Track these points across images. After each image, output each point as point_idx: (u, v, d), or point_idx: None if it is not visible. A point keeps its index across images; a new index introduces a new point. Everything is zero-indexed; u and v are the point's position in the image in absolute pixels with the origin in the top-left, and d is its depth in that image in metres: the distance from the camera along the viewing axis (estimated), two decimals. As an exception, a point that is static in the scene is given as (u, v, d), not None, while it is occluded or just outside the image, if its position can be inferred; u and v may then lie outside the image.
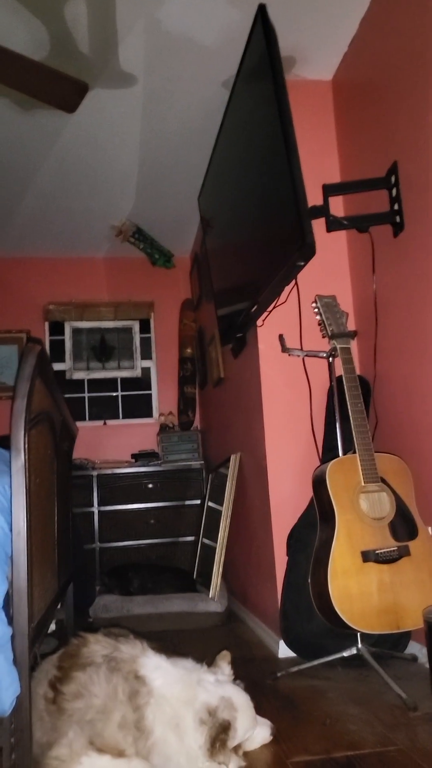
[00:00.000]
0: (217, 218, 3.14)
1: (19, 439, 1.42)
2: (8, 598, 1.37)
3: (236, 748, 1.57)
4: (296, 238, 1.98)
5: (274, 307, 2.63)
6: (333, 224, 2.39)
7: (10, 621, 1.35)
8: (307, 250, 1.93)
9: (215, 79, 2.93)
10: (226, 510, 3.37)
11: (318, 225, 2.25)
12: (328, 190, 2.45)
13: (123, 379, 5.02)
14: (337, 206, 2.77)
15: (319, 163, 2.85)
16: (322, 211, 2.38)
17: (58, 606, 2.19)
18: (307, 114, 2.89)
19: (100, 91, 2.96)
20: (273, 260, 2.24)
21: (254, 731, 1.65)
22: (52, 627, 2.38)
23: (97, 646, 1.69)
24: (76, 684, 1.58)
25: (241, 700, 1.62)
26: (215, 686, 1.62)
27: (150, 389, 5.03)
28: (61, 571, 2.15)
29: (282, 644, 2.51)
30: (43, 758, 1.46)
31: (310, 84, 2.97)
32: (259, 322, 2.73)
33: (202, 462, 4.43)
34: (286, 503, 2.66)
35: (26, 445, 1.43)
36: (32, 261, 4.92)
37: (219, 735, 1.51)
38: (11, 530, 1.39)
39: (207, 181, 3.15)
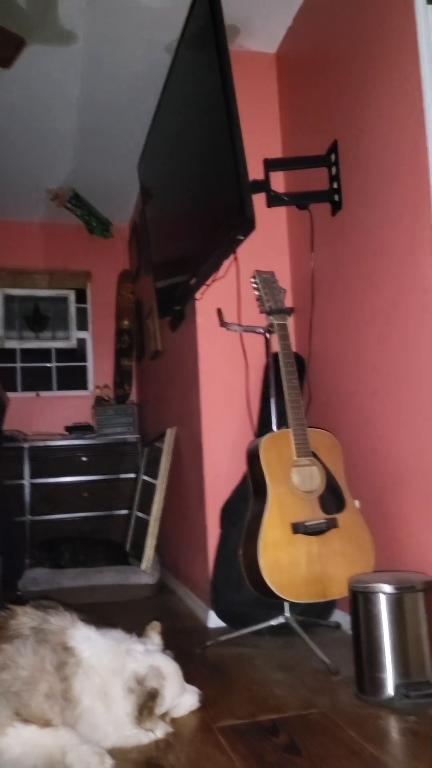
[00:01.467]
0: (157, 187, 3.08)
1: None
2: None
3: (164, 715, 1.60)
4: (237, 212, 1.96)
5: (213, 281, 2.62)
6: (273, 200, 2.39)
7: None
8: (247, 225, 1.92)
9: (158, 42, 2.85)
10: (160, 484, 3.38)
11: (258, 200, 2.25)
12: (269, 165, 2.44)
13: (57, 350, 4.91)
14: (278, 182, 2.77)
15: (261, 138, 2.84)
16: (263, 185, 2.37)
17: (-14, 579, 2.15)
18: (250, 86, 2.86)
19: (38, 47, 2.83)
20: (213, 233, 2.23)
21: (182, 698, 1.68)
22: (-21, 600, 2.33)
23: (25, 618, 1.67)
24: (2, 656, 1.55)
25: (169, 668, 1.65)
26: (144, 656, 1.63)
27: (85, 361, 4.94)
28: (-12, 544, 2.10)
29: (212, 614, 2.55)
30: (-33, 731, 1.44)
31: (253, 56, 2.94)
32: (197, 295, 2.71)
33: (138, 436, 4.41)
34: (220, 477, 2.69)
35: None
36: (-38, 223, 4.71)
37: (147, 703, 1.53)
38: None
39: (147, 147, 3.08)
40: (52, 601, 1.94)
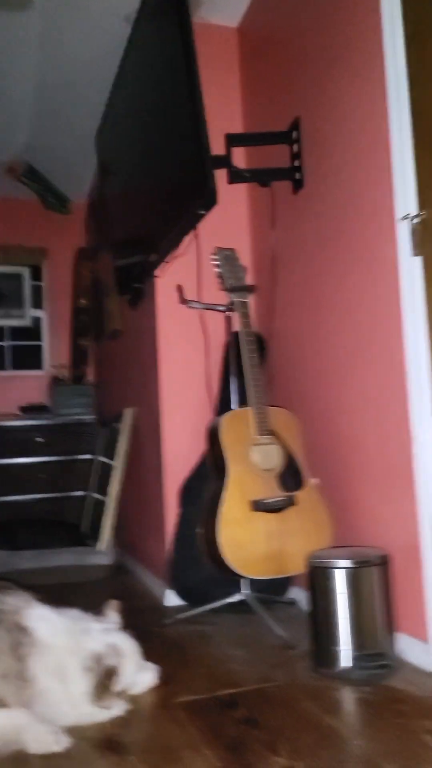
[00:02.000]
0: (115, 161, 3.01)
1: None
2: None
3: (121, 693, 1.59)
4: (199, 186, 1.93)
5: (173, 258, 2.58)
6: (235, 176, 2.36)
7: None
8: (209, 199, 1.89)
9: (117, 11, 2.76)
10: (118, 464, 3.35)
11: (219, 176, 2.21)
12: (231, 141, 2.41)
13: (11, 328, 4.78)
14: (239, 158, 2.74)
15: (222, 113, 2.79)
16: (224, 161, 2.34)
17: None
18: (211, 60, 2.80)
19: (-10, 10, 2.71)
20: (173, 208, 2.19)
21: (140, 676, 1.67)
22: None
23: (-22, 599, 1.63)
24: None
25: (127, 646, 1.64)
26: (102, 634, 1.62)
27: (40, 340, 4.83)
28: None
29: (170, 593, 2.55)
30: None
31: (215, 29, 2.88)
32: (157, 272, 2.67)
33: (95, 416, 4.35)
34: (179, 457, 2.67)
35: None
36: None
37: (104, 681, 1.52)
38: None
39: (105, 120, 3.00)
40: (7, 581, 1.90)
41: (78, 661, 1.52)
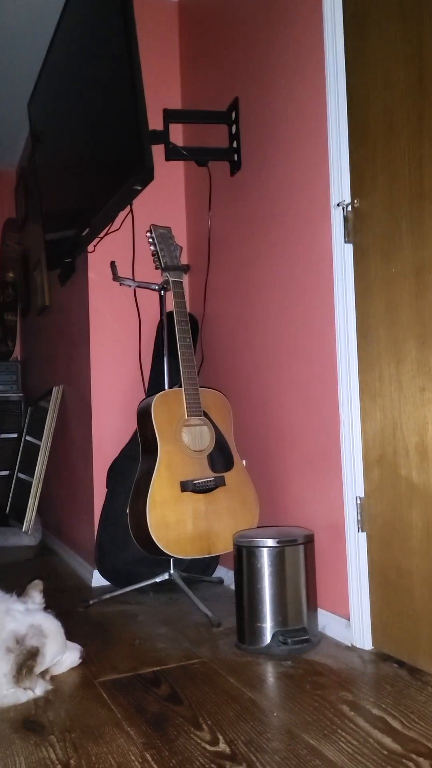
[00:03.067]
0: (48, 130, 2.89)
1: None
2: None
3: (44, 673, 1.57)
4: (135, 160, 1.89)
5: (106, 233, 2.53)
6: (172, 153, 2.32)
7: None
8: (145, 173, 1.85)
9: (54, -29, 2.65)
10: (45, 444, 3.27)
11: (156, 153, 2.17)
12: (169, 116, 2.36)
13: None
14: (176, 135, 2.70)
15: (160, 88, 2.74)
16: (162, 137, 2.29)
17: None
18: (151, 33, 2.74)
19: None
20: (108, 182, 2.13)
21: (63, 656, 1.65)
22: None
23: None
24: None
25: (50, 626, 1.61)
26: (24, 615, 1.59)
27: (-35, 314, 4.63)
28: None
29: (96, 574, 2.53)
30: None
31: (155, 1, 2.81)
32: (90, 247, 2.60)
33: (21, 394, 4.23)
34: (108, 437, 2.64)
35: None
36: None
37: (26, 662, 1.49)
38: None
39: (39, 87, 2.87)
40: None
41: (-1, 642, 1.48)
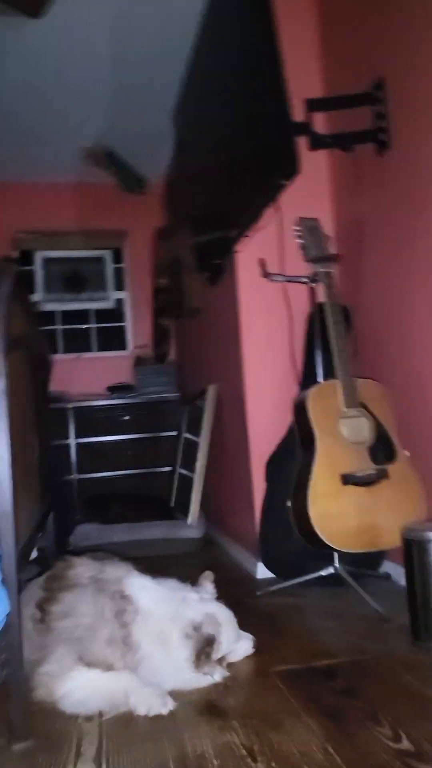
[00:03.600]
0: (193, 137, 3.00)
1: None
2: (-7, 521, 1.36)
3: (220, 660, 1.63)
4: (280, 156, 1.89)
5: (253, 232, 2.56)
6: (316, 142, 2.29)
7: (-4, 543, 1.34)
8: (291, 168, 1.85)
9: (190, -17, 2.73)
10: (203, 440, 3.39)
11: (300, 144, 2.16)
12: (312, 106, 2.34)
13: (96, 311, 4.92)
14: (319, 124, 2.66)
15: (300, 78, 2.69)
16: (305, 128, 2.27)
17: (39, 534, 2.20)
18: (288, 22, 2.69)
19: (66, -6, 2.74)
20: (254, 180, 2.16)
21: (237, 644, 1.71)
22: (33, 554, 2.40)
23: (82, 568, 1.71)
24: (63, 604, 1.60)
25: (224, 615, 1.67)
26: (199, 604, 1.66)
27: (124, 321, 4.94)
28: (42, 500, 2.14)
29: (260, 566, 2.58)
30: (33, 675, 1.50)
31: (291, -9, 2.79)
32: (237, 247, 2.66)
33: (178, 394, 4.42)
34: (264, 432, 2.68)
35: (5, 370, 1.38)
36: (-2, 186, 4.69)
37: (204, 648, 1.56)
38: (-7, 455, 1.36)
39: (182, 96, 2.99)
40: (106, 552, 1.99)
41: (178, 628, 1.57)
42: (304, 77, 2.73)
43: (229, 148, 2.45)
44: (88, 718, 1.42)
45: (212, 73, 2.53)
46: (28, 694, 1.44)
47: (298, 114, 2.35)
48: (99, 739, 1.33)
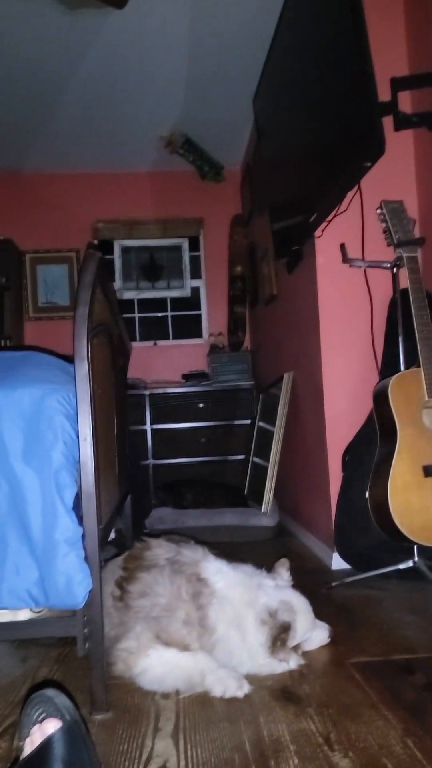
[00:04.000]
0: (273, 122, 2.96)
1: (83, 347, 1.41)
2: (77, 500, 1.40)
3: (296, 648, 1.62)
4: (365, 137, 1.84)
5: (334, 216, 2.50)
6: (402, 122, 2.21)
7: (80, 521, 1.39)
8: (376, 148, 1.80)
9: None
10: (278, 429, 3.37)
11: (384, 124, 2.08)
12: (397, 85, 2.25)
13: (172, 299, 4.98)
14: (404, 103, 2.56)
15: (385, 55, 2.60)
16: (390, 107, 2.20)
17: (117, 516, 2.26)
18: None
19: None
20: (336, 163, 2.11)
21: (313, 633, 1.69)
22: (112, 535, 2.47)
23: (160, 549, 1.75)
24: (141, 584, 1.64)
25: (300, 603, 1.66)
26: (275, 590, 1.66)
27: (200, 309, 4.98)
28: (121, 482, 2.20)
29: (335, 556, 2.54)
30: (112, 650, 1.54)
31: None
32: (317, 233, 2.61)
33: (252, 382, 4.42)
34: (341, 421, 2.63)
35: (89, 354, 1.42)
36: (78, 177, 4.82)
37: (279, 634, 1.56)
38: (78, 437, 1.40)
39: (263, 80, 2.95)
40: (183, 536, 2.02)
41: (253, 614, 1.57)
42: (389, 55, 2.63)
43: (311, 131, 2.40)
44: (165, 696, 1.45)
45: (294, 56, 2.49)
46: (108, 668, 1.49)
47: (382, 93, 2.28)
48: (176, 716, 1.36)
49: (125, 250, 4.94)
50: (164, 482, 4.05)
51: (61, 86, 3.61)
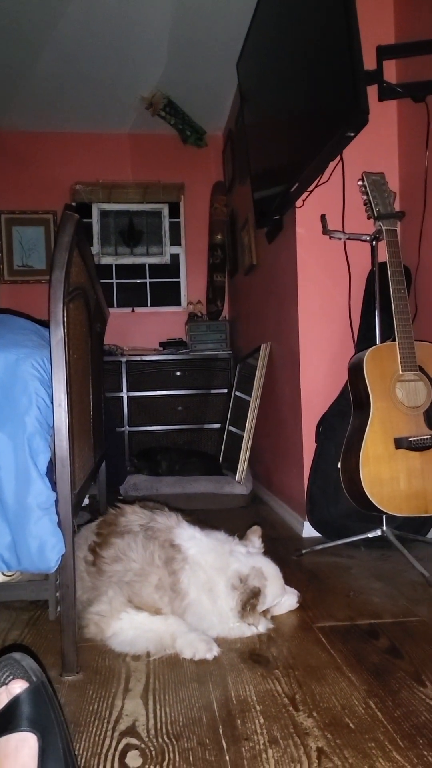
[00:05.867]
0: (257, 87, 2.90)
1: (59, 311, 1.39)
2: (51, 465, 1.40)
3: (265, 612, 1.66)
4: (348, 106, 1.81)
5: (315, 186, 2.48)
6: (386, 92, 2.19)
7: (54, 487, 1.39)
8: (360, 118, 1.78)
9: None
10: (254, 399, 3.39)
11: (369, 93, 2.06)
12: (383, 53, 2.22)
13: (151, 266, 4.92)
14: (390, 73, 2.53)
15: (371, 24, 2.56)
16: (375, 76, 2.17)
17: (92, 482, 2.27)
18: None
19: None
20: (319, 132, 2.08)
21: (282, 598, 1.73)
22: (85, 501, 2.48)
23: (134, 516, 1.76)
24: (114, 549, 1.66)
25: (270, 569, 1.69)
26: (246, 557, 1.69)
27: (179, 277, 4.93)
28: (95, 448, 2.20)
29: (306, 525, 2.59)
30: (84, 614, 1.56)
31: None
32: (298, 203, 2.59)
33: (230, 352, 4.42)
34: (316, 392, 2.65)
35: (65, 318, 1.40)
36: (57, 136, 4.69)
37: (249, 599, 1.59)
38: (52, 402, 1.40)
39: (247, 44, 2.88)
40: (157, 503, 2.03)
41: (225, 579, 1.60)
42: (375, 23, 2.59)
43: (296, 98, 2.36)
44: (136, 658, 1.48)
45: (280, 20, 2.43)
46: (80, 631, 1.51)
47: (368, 62, 2.24)
48: (146, 677, 1.39)
49: (104, 214, 4.85)
50: (140, 449, 4.06)
51: (41, 42, 3.48)
